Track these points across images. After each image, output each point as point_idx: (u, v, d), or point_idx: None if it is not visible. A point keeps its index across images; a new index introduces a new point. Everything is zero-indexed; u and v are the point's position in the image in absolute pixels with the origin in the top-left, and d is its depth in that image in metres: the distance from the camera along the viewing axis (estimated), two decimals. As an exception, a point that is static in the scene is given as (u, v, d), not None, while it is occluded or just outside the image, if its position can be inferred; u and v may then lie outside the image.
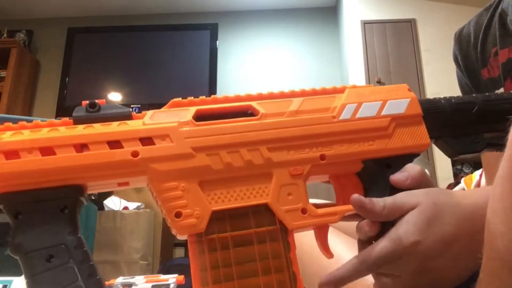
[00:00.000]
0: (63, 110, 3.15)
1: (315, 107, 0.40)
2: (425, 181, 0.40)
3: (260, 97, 0.40)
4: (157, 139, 0.36)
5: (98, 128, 0.35)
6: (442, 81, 2.74)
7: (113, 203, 2.31)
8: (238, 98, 0.40)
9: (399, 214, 0.37)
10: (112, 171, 0.35)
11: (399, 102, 0.42)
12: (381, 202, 0.37)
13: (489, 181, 0.70)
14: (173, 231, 0.35)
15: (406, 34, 2.95)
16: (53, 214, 0.33)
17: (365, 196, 0.38)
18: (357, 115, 0.40)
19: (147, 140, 0.35)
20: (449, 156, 0.45)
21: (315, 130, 0.39)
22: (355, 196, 0.37)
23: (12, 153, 0.33)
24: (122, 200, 2.37)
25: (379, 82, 2.82)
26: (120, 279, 1.05)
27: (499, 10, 0.68)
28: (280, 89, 0.41)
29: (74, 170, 0.34)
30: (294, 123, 0.39)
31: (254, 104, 0.39)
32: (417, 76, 2.84)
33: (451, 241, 0.36)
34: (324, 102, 0.41)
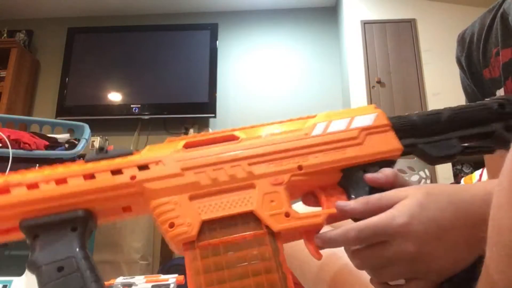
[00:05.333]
0: (63, 110, 3.15)
1: (289, 128, 0.45)
2: (400, 182, 0.41)
3: (242, 129, 0.45)
4: (151, 165, 0.41)
5: (104, 163, 0.42)
6: (442, 81, 2.74)
7: (113, 203, 2.31)
8: (223, 132, 0.45)
9: (389, 207, 0.38)
10: (113, 193, 0.40)
11: (367, 117, 0.46)
12: (364, 199, 0.40)
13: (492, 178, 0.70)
14: (170, 246, 0.39)
15: (406, 34, 2.95)
16: (65, 233, 0.38)
17: None
18: (328, 130, 0.45)
19: (143, 167, 0.41)
20: (429, 163, 0.46)
21: (289, 145, 0.43)
22: (337, 203, 0.40)
23: (33, 185, 0.39)
24: (122, 200, 2.36)
25: (379, 82, 2.83)
26: (120, 279, 1.05)
27: (501, 10, 0.68)
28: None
29: (81, 193, 0.39)
30: (270, 141, 0.44)
31: (235, 132, 0.45)
32: (417, 76, 2.83)
33: (448, 227, 0.37)
34: (297, 124, 0.46)
